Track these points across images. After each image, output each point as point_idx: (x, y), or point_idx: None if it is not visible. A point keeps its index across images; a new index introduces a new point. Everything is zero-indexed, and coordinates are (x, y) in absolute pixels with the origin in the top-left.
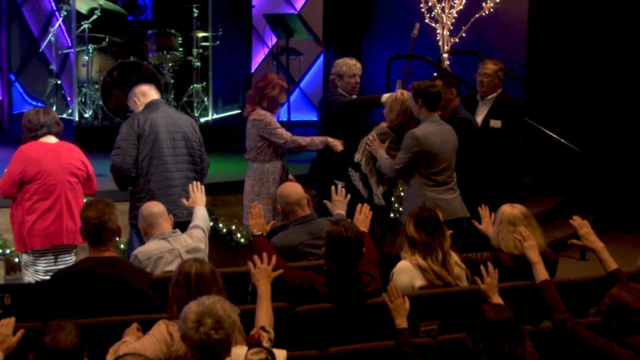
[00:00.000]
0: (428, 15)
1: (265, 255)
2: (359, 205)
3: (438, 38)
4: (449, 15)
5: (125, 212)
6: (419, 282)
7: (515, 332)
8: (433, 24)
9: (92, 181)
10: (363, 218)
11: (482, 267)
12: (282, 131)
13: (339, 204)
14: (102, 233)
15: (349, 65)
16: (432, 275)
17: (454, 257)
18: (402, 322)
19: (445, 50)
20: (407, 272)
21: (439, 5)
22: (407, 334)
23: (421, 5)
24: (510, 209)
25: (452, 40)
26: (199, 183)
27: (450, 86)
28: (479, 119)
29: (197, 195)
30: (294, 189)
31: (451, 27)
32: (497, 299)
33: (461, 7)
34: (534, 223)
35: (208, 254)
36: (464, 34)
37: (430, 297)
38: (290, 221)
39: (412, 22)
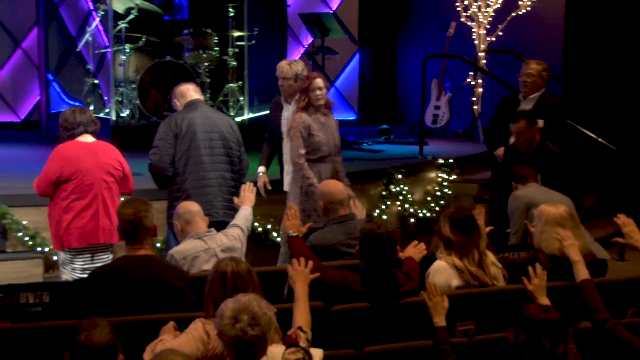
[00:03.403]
0: (464, 13)
1: (302, 258)
2: (415, 241)
3: (474, 37)
4: (485, 14)
5: (163, 211)
6: (455, 282)
7: (559, 332)
8: (469, 23)
9: (128, 180)
10: (416, 252)
11: (529, 267)
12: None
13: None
14: (138, 231)
15: (277, 67)
16: (469, 276)
17: (490, 257)
18: (440, 321)
19: (482, 49)
20: (443, 271)
21: (475, 3)
22: (445, 332)
23: (457, 4)
24: (554, 209)
25: (488, 39)
26: (251, 184)
27: (534, 124)
28: None
29: (247, 195)
30: (338, 187)
31: (487, 26)
32: (545, 300)
33: (498, 5)
34: (578, 222)
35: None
36: (500, 33)
37: (467, 297)
38: (328, 220)
39: (448, 21)
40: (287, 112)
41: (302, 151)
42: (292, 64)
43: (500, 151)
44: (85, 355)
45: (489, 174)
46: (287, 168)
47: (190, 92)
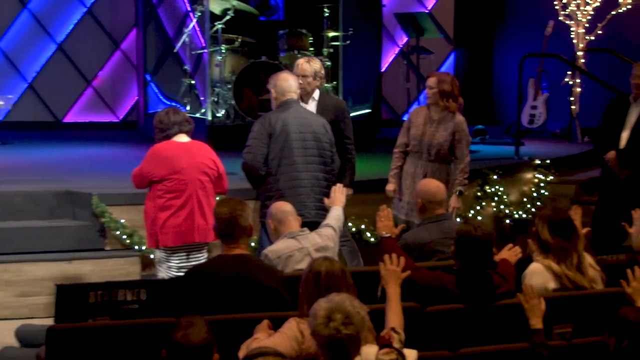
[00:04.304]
0: (562, 12)
1: (394, 256)
2: (510, 244)
3: (572, 36)
4: (584, 12)
5: (256, 210)
6: (552, 284)
7: None
8: (567, 22)
9: (222, 180)
10: (511, 255)
11: (628, 270)
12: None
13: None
14: (234, 230)
15: (295, 65)
16: (566, 280)
17: (588, 259)
18: (537, 323)
19: (580, 48)
20: (539, 274)
21: (574, 2)
22: (542, 335)
23: (555, 2)
24: None
25: (587, 38)
26: (341, 184)
27: None
28: (632, 120)
29: (337, 196)
30: (439, 187)
31: (586, 25)
32: None
33: (597, 3)
34: None
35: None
36: (599, 32)
37: (564, 299)
38: (424, 218)
39: (545, 20)
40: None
41: (399, 141)
42: (310, 62)
43: (611, 155)
44: (181, 353)
45: (587, 175)
46: None
47: (290, 92)
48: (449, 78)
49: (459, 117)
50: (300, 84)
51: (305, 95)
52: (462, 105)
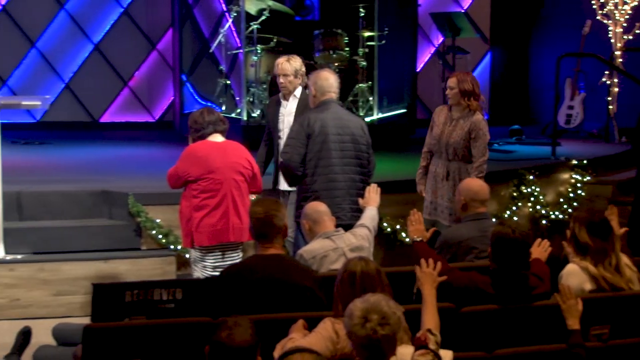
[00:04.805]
0: (600, 11)
1: (431, 260)
2: (538, 239)
3: (610, 35)
4: (622, 12)
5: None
6: (589, 285)
7: None
8: (605, 21)
9: (257, 179)
10: (541, 251)
11: None
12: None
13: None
14: (268, 229)
15: (276, 64)
16: (603, 282)
17: (625, 260)
18: (574, 324)
19: (618, 47)
20: (576, 275)
21: (612, 1)
22: (579, 335)
23: (593, 1)
24: None
25: (625, 37)
26: (376, 185)
27: None
28: None
29: (372, 196)
30: (482, 186)
31: (624, 24)
32: None
33: (635, 2)
34: None
35: (373, 252)
36: (637, 31)
37: (601, 301)
38: (465, 216)
39: (583, 19)
40: (285, 109)
41: (425, 141)
42: (290, 61)
43: None
44: (224, 353)
45: (625, 175)
46: None
47: (330, 91)
48: (469, 77)
49: (477, 116)
50: (281, 83)
51: (287, 94)
52: (483, 102)
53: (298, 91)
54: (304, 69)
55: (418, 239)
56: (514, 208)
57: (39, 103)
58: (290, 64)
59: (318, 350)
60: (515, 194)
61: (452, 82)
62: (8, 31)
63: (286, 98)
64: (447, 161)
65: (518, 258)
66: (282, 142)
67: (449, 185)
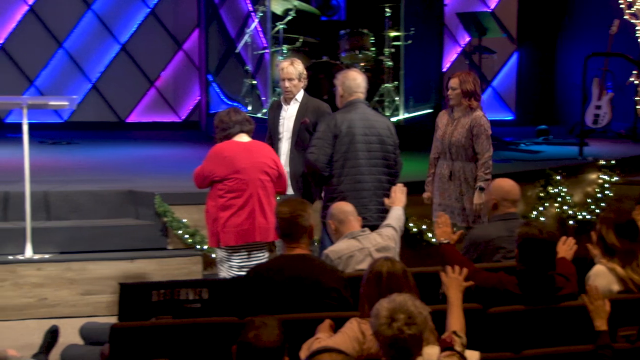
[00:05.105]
0: (628, 11)
1: (457, 267)
2: (563, 237)
3: (638, 34)
4: None
5: (318, 210)
6: (616, 287)
7: None
8: (633, 20)
9: (283, 179)
10: (566, 249)
11: None
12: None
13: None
14: (294, 229)
15: (279, 68)
16: (631, 284)
17: None
18: (601, 325)
19: None
20: (603, 276)
21: None
22: (607, 336)
23: (620, 0)
24: None
25: None
26: (402, 185)
27: None
28: None
29: (398, 196)
30: (513, 186)
31: None
32: None
33: None
34: None
35: (399, 252)
36: None
37: (629, 302)
38: (494, 215)
39: (610, 19)
40: (286, 112)
41: (434, 145)
42: (294, 64)
43: None
44: (250, 353)
45: None
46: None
47: (358, 91)
48: (470, 77)
49: (476, 112)
50: (286, 88)
51: (290, 98)
52: (483, 102)
53: (300, 95)
54: (305, 72)
55: (445, 242)
56: (541, 208)
57: (66, 103)
58: (295, 68)
59: (345, 351)
60: (542, 194)
61: (454, 82)
62: (35, 32)
63: (287, 102)
64: (450, 161)
65: (545, 259)
66: (282, 145)
67: (454, 185)
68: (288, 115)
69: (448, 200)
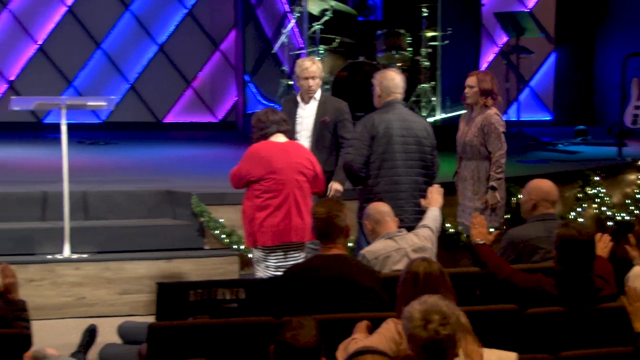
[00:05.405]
0: None
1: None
2: (599, 234)
3: None
4: None
5: (354, 211)
6: None
7: None
8: None
9: (319, 180)
10: (602, 246)
11: None
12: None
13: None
14: (331, 230)
15: (302, 67)
16: None
17: None
18: None
19: None
20: None
21: None
22: None
23: None
24: None
25: None
26: (438, 185)
27: None
28: None
29: (434, 197)
30: (552, 187)
31: None
32: None
33: None
34: None
35: (436, 253)
36: None
37: None
38: (532, 215)
39: None
40: (304, 111)
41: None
42: (316, 62)
43: None
44: (288, 353)
45: None
46: None
47: (396, 92)
48: (488, 77)
49: (488, 111)
50: (310, 86)
51: (311, 96)
52: (501, 103)
53: (318, 94)
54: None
55: (481, 242)
56: (579, 209)
57: (104, 104)
58: (317, 66)
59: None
60: (580, 195)
61: (471, 81)
62: (74, 33)
63: (307, 100)
64: (467, 161)
65: (584, 260)
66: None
67: (469, 185)
68: (307, 114)
69: (463, 200)
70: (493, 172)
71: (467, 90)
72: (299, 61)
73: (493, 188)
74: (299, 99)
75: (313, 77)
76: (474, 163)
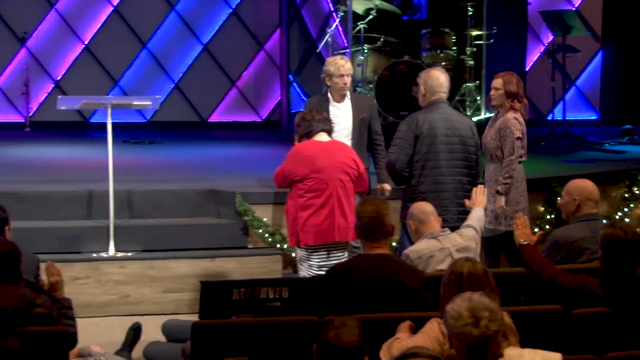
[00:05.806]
0: None
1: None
2: (638, 229)
3: None
4: None
5: (397, 210)
6: None
7: None
8: None
9: (363, 179)
10: None
11: None
12: None
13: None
14: (377, 229)
15: (338, 65)
16: None
17: None
18: None
19: None
20: None
21: None
22: None
23: None
24: None
25: None
26: (482, 186)
27: None
28: None
29: (478, 197)
30: (594, 186)
31: None
32: None
33: None
34: None
35: (480, 253)
36: None
37: None
38: (577, 216)
39: None
40: (340, 110)
41: None
42: (348, 61)
43: None
44: (330, 352)
45: None
46: None
47: (440, 91)
48: (514, 79)
49: (507, 115)
50: (345, 85)
51: (344, 94)
52: (527, 105)
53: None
54: None
55: (525, 243)
56: (626, 209)
57: (149, 103)
58: (350, 64)
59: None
60: (627, 195)
61: (497, 83)
62: (120, 32)
63: (341, 99)
64: (488, 163)
65: (630, 260)
66: None
67: (488, 187)
68: (343, 113)
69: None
70: (501, 176)
71: (492, 92)
72: (332, 59)
73: (499, 192)
74: (330, 97)
75: (349, 75)
76: (492, 165)
